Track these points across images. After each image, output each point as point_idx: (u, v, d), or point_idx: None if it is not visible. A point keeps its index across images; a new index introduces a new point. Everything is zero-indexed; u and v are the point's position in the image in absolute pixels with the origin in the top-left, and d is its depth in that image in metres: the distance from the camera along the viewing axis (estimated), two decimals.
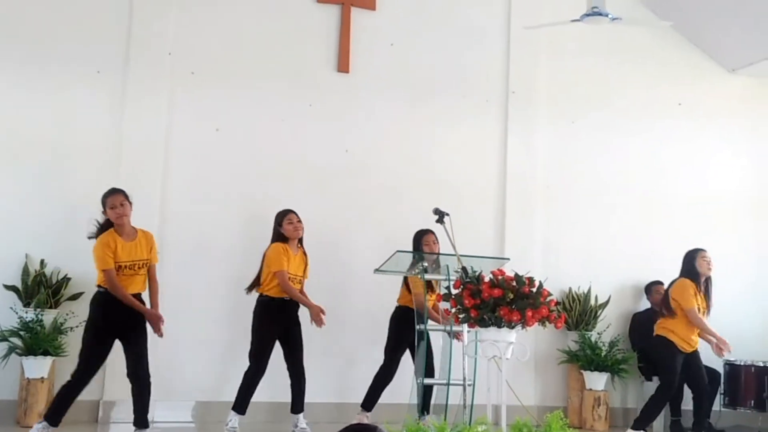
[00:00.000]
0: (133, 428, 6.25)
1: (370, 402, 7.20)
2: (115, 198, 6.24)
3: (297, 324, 6.94)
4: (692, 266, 7.49)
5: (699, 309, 7.34)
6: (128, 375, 6.20)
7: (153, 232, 7.58)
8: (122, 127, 7.69)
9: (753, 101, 9.32)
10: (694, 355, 7.43)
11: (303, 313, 6.95)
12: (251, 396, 6.85)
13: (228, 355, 7.62)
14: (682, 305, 7.32)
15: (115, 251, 6.15)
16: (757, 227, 9.11)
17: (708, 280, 7.50)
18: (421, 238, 7.20)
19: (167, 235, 7.66)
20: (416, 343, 6.61)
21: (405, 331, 6.97)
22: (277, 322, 6.86)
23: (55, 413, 6.10)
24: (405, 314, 6.98)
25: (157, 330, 6.26)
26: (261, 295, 6.93)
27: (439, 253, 6.83)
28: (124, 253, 6.18)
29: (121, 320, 6.15)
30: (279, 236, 6.97)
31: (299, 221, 6.99)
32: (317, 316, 6.83)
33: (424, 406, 6.64)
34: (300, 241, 7.04)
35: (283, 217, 6.99)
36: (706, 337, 7.51)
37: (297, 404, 6.92)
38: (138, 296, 6.26)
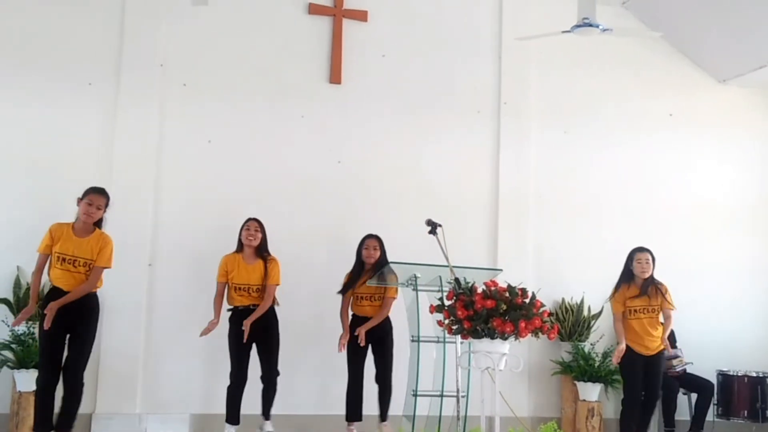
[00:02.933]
0: None
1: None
2: (97, 197, 6.24)
3: (266, 330, 6.95)
4: (627, 267, 7.33)
5: (633, 311, 7.17)
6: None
7: (145, 243, 7.59)
8: (114, 138, 7.69)
9: (743, 111, 9.34)
10: (652, 360, 7.17)
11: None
12: (237, 406, 6.90)
13: (222, 366, 7.55)
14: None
15: (57, 240, 6.16)
16: (749, 237, 9.12)
17: (649, 279, 7.23)
18: (362, 242, 7.36)
19: (159, 246, 7.69)
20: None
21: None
22: (239, 329, 6.86)
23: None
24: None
25: (16, 322, 6.33)
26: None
27: (431, 264, 6.82)
28: (65, 246, 6.15)
29: (65, 315, 6.09)
30: (239, 243, 7.09)
31: (257, 229, 7.04)
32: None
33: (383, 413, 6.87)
34: (259, 249, 7.05)
35: (243, 224, 7.10)
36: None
37: (264, 410, 6.97)
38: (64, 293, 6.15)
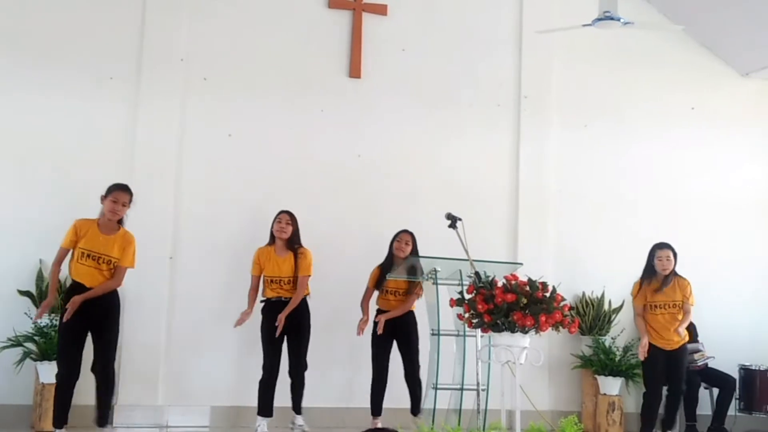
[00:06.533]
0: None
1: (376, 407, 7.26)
2: (122, 195, 6.25)
3: (298, 324, 6.96)
4: (649, 263, 7.37)
5: (654, 306, 7.23)
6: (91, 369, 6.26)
7: (166, 236, 7.62)
8: (135, 132, 7.73)
9: (766, 105, 9.27)
10: (674, 354, 7.21)
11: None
12: (270, 398, 6.92)
13: (243, 358, 7.62)
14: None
15: (81, 236, 6.16)
16: None
17: (670, 275, 7.27)
18: (396, 236, 7.38)
19: (180, 239, 7.73)
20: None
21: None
22: (271, 322, 6.90)
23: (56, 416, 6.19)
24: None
25: (38, 316, 6.40)
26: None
27: (452, 258, 6.81)
28: (90, 243, 6.16)
29: (87, 311, 6.11)
30: (271, 236, 7.12)
31: (288, 222, 7.07)
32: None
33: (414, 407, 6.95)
34: (290, 241, 7.06)
35: (275, 217, 7.14)
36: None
37: (295, 405, 7.00)
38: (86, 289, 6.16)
